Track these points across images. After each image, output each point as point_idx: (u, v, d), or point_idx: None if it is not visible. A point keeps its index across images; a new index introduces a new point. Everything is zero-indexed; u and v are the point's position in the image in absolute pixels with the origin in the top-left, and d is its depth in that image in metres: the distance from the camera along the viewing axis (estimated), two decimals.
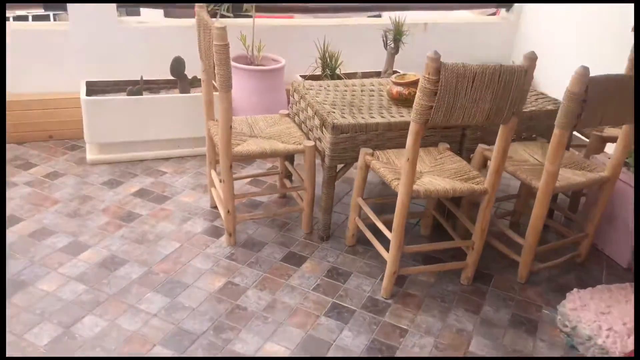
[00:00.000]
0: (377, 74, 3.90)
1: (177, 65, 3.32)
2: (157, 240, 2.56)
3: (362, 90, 2.86)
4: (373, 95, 2.80)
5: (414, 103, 1.94)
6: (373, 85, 2.94)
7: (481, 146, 2.54)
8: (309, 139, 2.60)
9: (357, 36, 4.04)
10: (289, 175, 2.98)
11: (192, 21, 3.63)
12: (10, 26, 3.33)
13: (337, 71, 3.71)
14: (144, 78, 3.37)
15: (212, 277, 2.33)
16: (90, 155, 3.23)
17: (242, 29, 3.60)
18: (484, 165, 2.51)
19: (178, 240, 2.57)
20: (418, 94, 1.91)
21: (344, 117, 2.46)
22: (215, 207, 2.84)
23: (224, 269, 2.39)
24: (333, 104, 2.61)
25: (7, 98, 3.30)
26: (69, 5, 3.32)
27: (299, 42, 3.86)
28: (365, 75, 3.85)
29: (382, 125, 2.45)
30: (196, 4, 2.47)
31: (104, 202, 2.84)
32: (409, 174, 2.03)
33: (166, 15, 5.36)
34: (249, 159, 2.56)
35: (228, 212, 2.47)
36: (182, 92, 3.38)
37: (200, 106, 3.28)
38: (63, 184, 2.98)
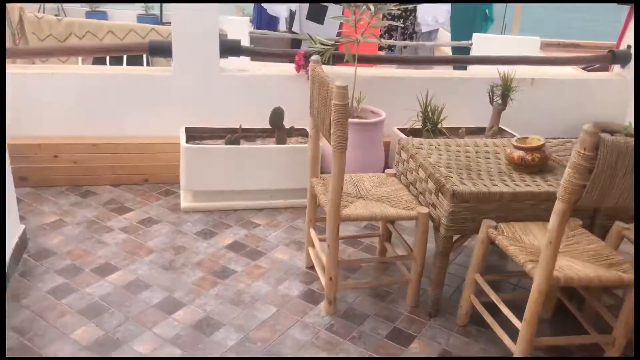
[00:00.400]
0: (481, 130, 3.67)
1: (277, 116, 3.24)
2: (253, 302, 2.41)
3: (476, 152, 2.64)
4: (489, 158, 2.58)
5: (563, 180, 1.71)
6: (488, 147, 2.72)
7: (618, 224, 2.24)
8: (419, 203, 2.40)
9: (459, 89, 3.84)
10: (389, 237, 2.78)
11: (291, 70, 3.58)
12: (116, 70, 3.40)
13: (439, 125, 3.52)
14: (242, 126, 3.31)
15: (313, 352, 2.13)
16: (185, 202, 3.18)
17: (341, 79, 3.49)
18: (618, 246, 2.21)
19: (274, 304, 2.40)
20: (569, 170, 1.68)
21: (463, 184, 2.25)
22: (311, 268, 2.67)
23: (324, 343, 2.19)
24: (448, 167, 2.41)
25: (106, 141, 3.32)
26: (174, 52, 3.34)
27: (398, 94, 3.71)
28: (469, 131, 3.64)
29: (507, 195, 2.22)
30: (312, 58, 2.37)
31: (198, 255, 2.74)
32: (550, 259, 1.78)
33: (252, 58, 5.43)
34: (357, 222, 2.38)
35: (330, 279, 2.29)
36: (278, 142, 3.29)
37: (296, 157, 3.20)
38: (157, 232, 2.92)
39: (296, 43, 7.79)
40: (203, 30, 3.31)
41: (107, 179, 3.37)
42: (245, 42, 7.66)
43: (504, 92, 3.47)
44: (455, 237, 2.31)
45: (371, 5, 3.29)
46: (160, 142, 3.40)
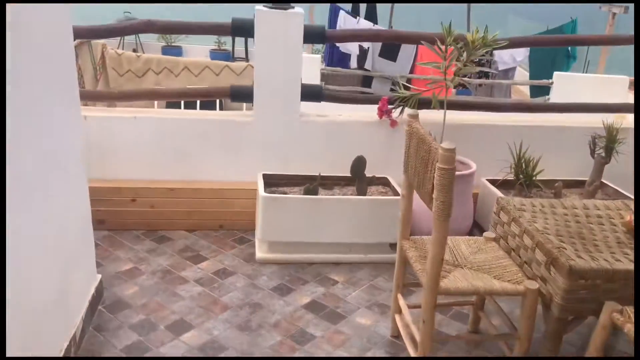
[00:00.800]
0: (580, 184, 3.36)
1: (358, 166, 3.07)
2: None
3: (587, 216, 2.35)
4: (603, 224, 2.29)
5: None
6: (599, 210, 2.42)
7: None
8: (525, 274, 2.13)
9: (555, 137, 3.55)
10: (482, 305, 2.52)
11: (372, 115, 3.42)
12: (195, 115, 3.35)
13: (533, 178, 3.23)
14: (321, 173, 3.16)
15: None
16: (260, 253, 3.04)
17: (426, 125, 3.30)
18: None
19: None
20: None
21: (580, 257, 1.97)
22: (397, 337, 2.44)
23: None
24: (558, 235, 2.14)
25: (182, 185, 3.26)
26: (256, 97, 3.26)
27: (488, 141, 3.47)
28: (566, 184, 3.33)
29: (632, 274, 1.92)
30: (408, 112, 2.19)
31: (275, 314, 2.57)
32: None
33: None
34: (456, 295, 2.14)
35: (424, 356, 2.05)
36: (359, 192, 3.11)
37: (378, 210, 3.01)
38: (232, 285, 2.78)
39: (368, 80, 7.69)
40: (287, 77, 3.22)
41: (182, 224, 3.30)
42: (317, 80, 7.64)
43: (608, 145, 3.16)
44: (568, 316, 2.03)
45: (463, 49, 3.09)
46: (237, 188, 3.30)
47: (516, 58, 7.48)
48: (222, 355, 2.27)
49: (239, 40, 12.98)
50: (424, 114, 3.43)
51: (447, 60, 3.10)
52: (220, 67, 8.23)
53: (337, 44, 7.74)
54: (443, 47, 3.11)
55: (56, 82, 2.00)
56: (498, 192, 3.20)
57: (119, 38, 13.05)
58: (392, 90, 6.73)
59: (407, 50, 7.61)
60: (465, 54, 3.11)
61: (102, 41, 8.13)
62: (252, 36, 3.20)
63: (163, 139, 3.27)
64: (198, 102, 8.42)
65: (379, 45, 7.68)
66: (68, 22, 2.11)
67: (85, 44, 8.19)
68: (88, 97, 3.26)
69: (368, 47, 7.53)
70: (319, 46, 11.88)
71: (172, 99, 3.42)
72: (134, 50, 13.00)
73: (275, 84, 3.25)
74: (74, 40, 2.18)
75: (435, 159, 1.87)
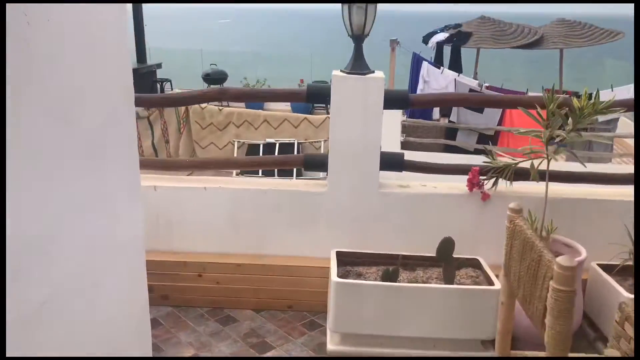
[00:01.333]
0: None
1: (446, 248, 2.70)
2: None
3: None
4: None
5: None
6: None
7: None
8: None
9: None
10: None
11: (461, 186, 3.05)
12: (267, 185, 3.15)
13: None
14: (402, 254, 2.82)
15: None
16: (331, 345, 2.71)
17: (525, 199, 2.90)
18: None
19: None
20: None
21: None
22: None
23: None
24: None
25: (250, 261, 3.03)
26: (330, 166, 3.01)
27: (597, 218, 2.99)
28: None
29: None
30: (511, 206, 1.82)
31: None
32: None
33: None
34: None
35: None
36: (446, 279, 2.73)
37: (468, 301, 2.61)
38: None
39: (451, 132, 7.30)
40: (365, 146, 2.95)
41: (249, 303, 3.06)
42: (397, 132, 7.34)
43: None
44: None
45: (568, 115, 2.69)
46: (308, 266, 3.03)
47: None
48: None
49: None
50: (522, 187, 3.04)
51: (549, 129, 2.69)
52: (299, 120, 8.17)
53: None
54: (544, 113, 2.72)
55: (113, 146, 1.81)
56: (614, 284, 2.69)
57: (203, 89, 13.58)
58: (477, 150, 6.27)
59: None
60: (570, 121, 2.70)
61: None
62: (329, 103, 2.97)
63: (232, 210, 3.08)
64: (260, 172, 8.29)
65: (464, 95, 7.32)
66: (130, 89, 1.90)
67: None
68: (156, 166, 3.15)
69: None
70: None
71: (246, 168, 3.21)
72: (217, 105, 13.49)
73: (352, 152, 2.99)
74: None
75: (548, 274, 1.49)
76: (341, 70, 2.97)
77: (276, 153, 7.90)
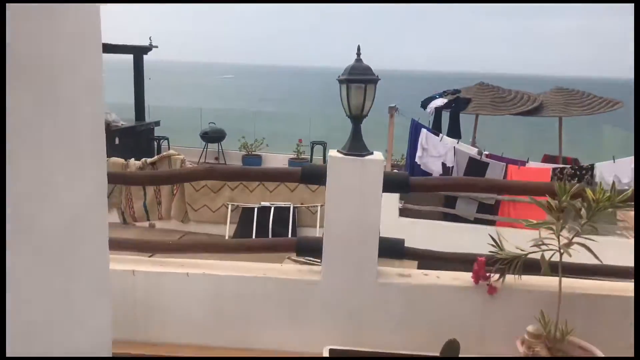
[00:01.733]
0: None
1: (450, 353, 2.44)
2: None
3: None
4: None
5: None
6: None
7: None
8: None
9: None
10: None
11: (466, 277, 2.81)
12: (256, 272, 2.92)
13: None
14: (400, 351, 2.56)
15: None
16: None
17: (536, 294, 2.67)
18: None
19: None
20: None
21: None
22: None
23: None
24: None
25: (234, 354, 2.75)
26: (325, 252, 2.79)
27: (616, 317, 2.74)
28: None
29: None
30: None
31: None
32: None
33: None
34: None
35: None
36: None
37: None
38: None
39: (451, 200, 7.13)
40: (362, 231, 2.74)
41: None
42: (396, 201, 7.15)
43: None
44: None
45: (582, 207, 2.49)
46: None
47: (621, 180, 6.67)
48: None
49: (318, 150, 13.04)
50: (532, 280, 2.81)
51: (562, 221, 2.49)
52: (295, 184, 8.01)
53: (419, 162, 7.32)
54: (554, 204, 2.53)
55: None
56: None
57: (201, 149, 13.56)
58: (477, 220, 6.09)
59: (495, 169, 7.04)
60: (584, 213, 2.51)
61: (181, 156, 8.23)
62: (324, 184, 2.79)
63: (216, 299, 2.83)
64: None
65: (464, 162, 7.19)
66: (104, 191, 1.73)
67: (165, 159, 8.31)
68: (135, 247, 2.92)
69: (452, 166, 7.03)
70: (399, 156, 11.59)
71: (235, 252, 2.98)
72: (216, 159, 13.43)
73: (348, 238, 2.77)
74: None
75: None
76: (338, 151, 2.80)
77: (271, 217, 7.70)
